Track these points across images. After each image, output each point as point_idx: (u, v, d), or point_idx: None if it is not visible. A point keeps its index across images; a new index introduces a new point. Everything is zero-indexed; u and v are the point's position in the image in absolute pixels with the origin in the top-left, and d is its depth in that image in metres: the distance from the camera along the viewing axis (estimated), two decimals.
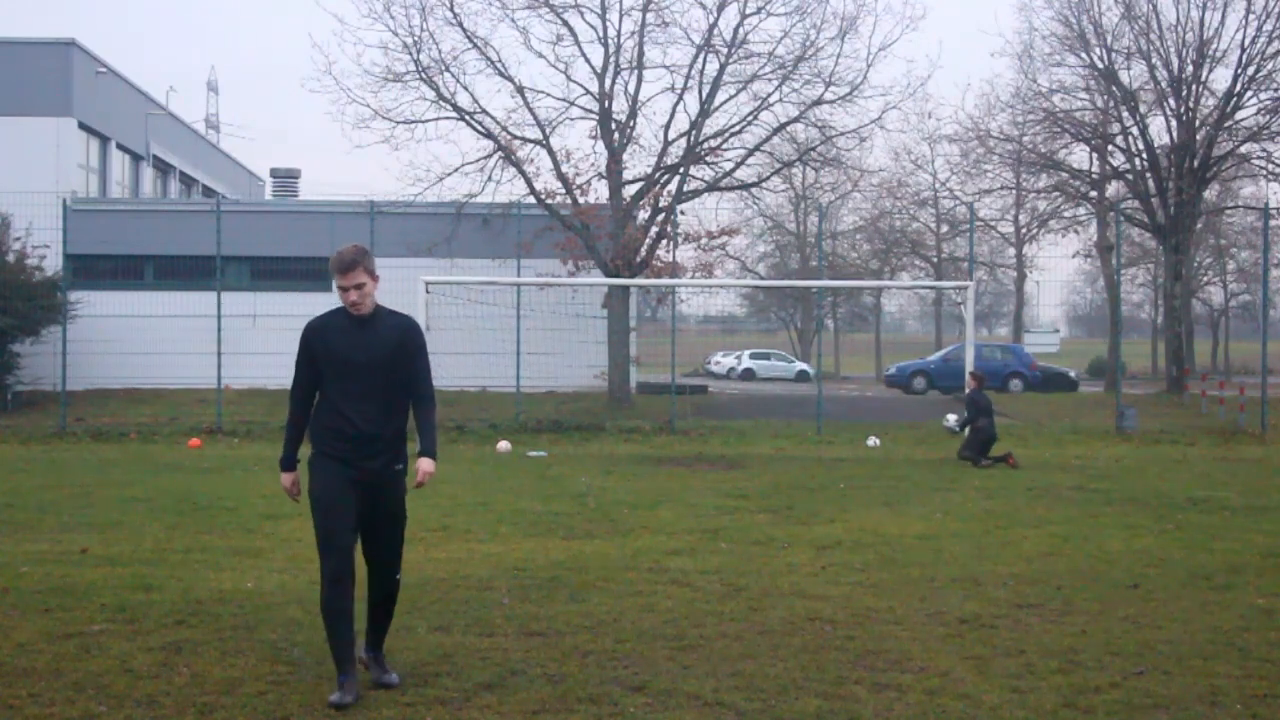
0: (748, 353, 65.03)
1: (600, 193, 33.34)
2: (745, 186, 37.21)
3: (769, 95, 33.49)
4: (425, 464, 7.11)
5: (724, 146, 34.22)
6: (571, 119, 33.59)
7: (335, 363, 6.93)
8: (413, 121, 32.07)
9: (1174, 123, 40.17)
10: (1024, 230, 56.50)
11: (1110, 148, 42.77)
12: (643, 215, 33.28)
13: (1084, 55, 41.41)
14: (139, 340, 31.66)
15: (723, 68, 33.25)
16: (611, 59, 33.06)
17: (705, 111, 33.47)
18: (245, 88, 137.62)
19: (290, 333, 7.09)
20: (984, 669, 7.40)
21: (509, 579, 10.16)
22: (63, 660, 7.46)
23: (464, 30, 32.13)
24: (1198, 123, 39.64)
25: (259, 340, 29.35)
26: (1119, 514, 14.55)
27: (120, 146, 40.58)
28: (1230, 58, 39.46)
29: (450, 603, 9.19)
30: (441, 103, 32.03)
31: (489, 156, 32.25)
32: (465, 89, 32.47)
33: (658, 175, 33.41)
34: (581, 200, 32.43)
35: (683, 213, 34.35)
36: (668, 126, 33.66)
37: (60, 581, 9.91)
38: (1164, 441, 25.89)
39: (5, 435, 25.71)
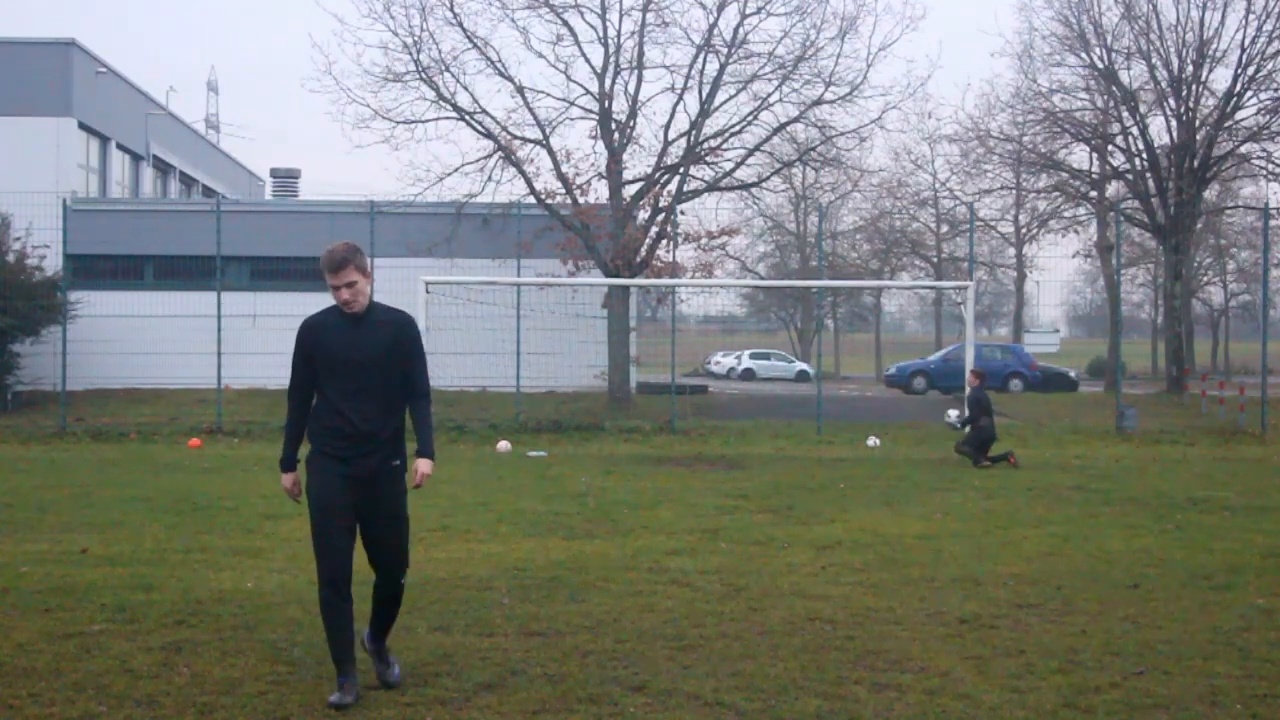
0: (748, 353, 65.02)
1: (600, 193, 33.36)
2: (745, 186, 37.22)
3: (769, 95, 33.51)
4: (423, 465, 7.08)
5: (724, 146, 34.23)
6: (571, 119, 33.62)
7: (331, 361, 6.88)
8: (413, 121, 32.09)
9: (1174, 123, 40.18)
10: (1024, 230, 56.51)
11: (1110, 148, 42.78)
12: (643, 215, 33.28)
13: (1084, 55, 41.42)
14: (139, 340, 31.65)
15: (723, 68, 33.25)
16: (611, 59, 33.06)
17: (705, 111, 33.47)
18: (245, 88, 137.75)
19: (290, 333, 7.04)
20: (984, 669, 7.40)
21: (509, 579, 10.16)
22: (63, 660, 7.46)
23: (464, 30, 32.14)
24: (1198, 123, 39.64)
25: (259, 340, 29.30)
26: (1119, 514, 14.56)
27: (120, 146, 40.59)
28: (1230, 58, 39.48)
29: (450, 603, 9.19)
30: (441, 103, 32.03)
31: (489, 156, 32.26)
32: (465, 89, 32.50)
33: (658, 175, 33.41)
34: (581, 200, 32.43)
35: (683, 213, 34.35)
36: (668, 126, 33.69)
37: (60, 581, 9.91)
38: (1164, 441, 25.89)
39: (5, 435, 25.71)
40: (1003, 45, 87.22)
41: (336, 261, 6.82)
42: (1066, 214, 48.71)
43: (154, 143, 43.59)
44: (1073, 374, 50.08)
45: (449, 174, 31.78)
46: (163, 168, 45.35)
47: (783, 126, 34.34)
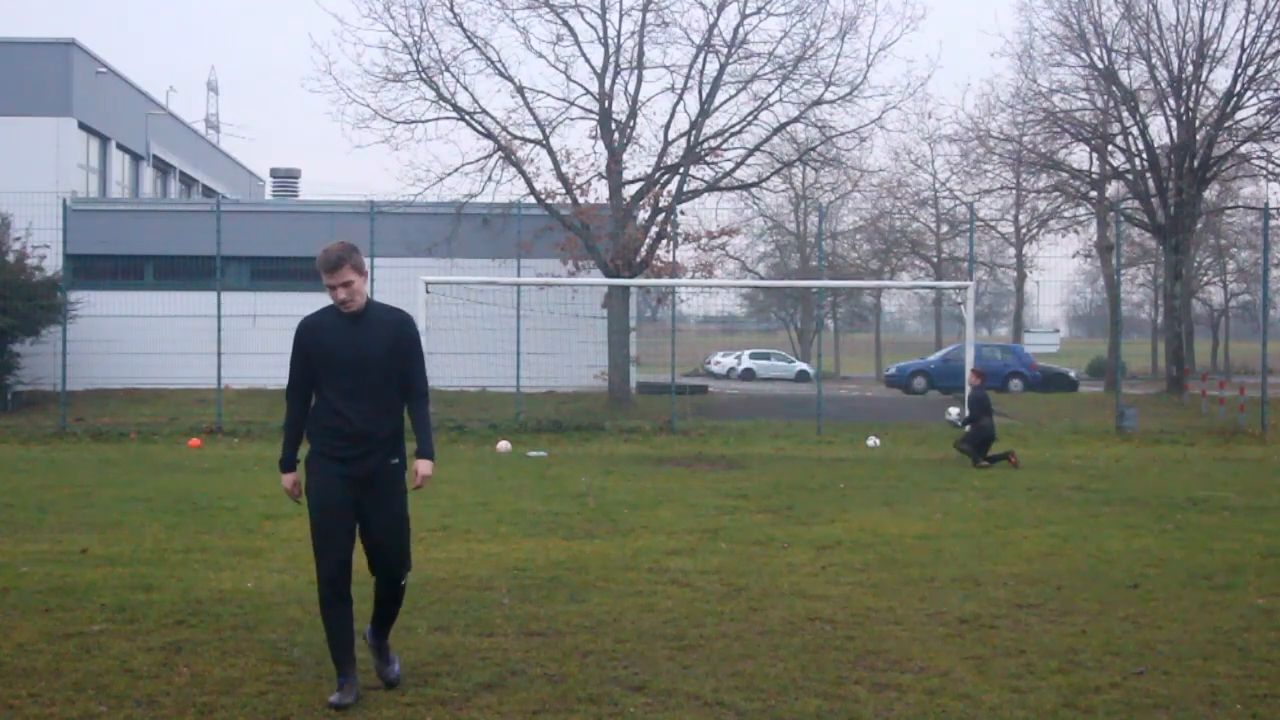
0: (748, 353, 65.03)
1: (600, 193, 33.37)
2: (745, 186, 37.21)
3: (769, 95, 33.51)
4: (423, 466, 7.05)
5: (724, 146, 34.23)
6: (571, 119, 33.62)
7: (330, 361, 6.84)
8: (413, 121, 32.09)
9: (1174, 123, 40.18)
10: (1024, 230, 56.51)
11: (1110, 148, 42.77)
12: (643, 215, 33.28)
13: (1084, 55, 41.42)
14: (139, 340, 31.66)
15: (723, 68, 33.25)
16: (611, 59, 33.06)
17: (705, 111, 33.47)
18: (245, 88, 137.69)
19: (290, 332, 7.03)
20: (984, 669, 7.40)
21: (509, 579, 10.16)
22: (63, 660, 7.46)
23: (464, 30, 32.15)
24: (1198, 123, 39.64)
25: (259, 340, 29.29)
26: (1119, 514, 14.56)
27: (120, 146, 40.59)
28: (1230, 58, 39.48)
29: (450, 603, 9.19)
30: (441, 103, 32.04)
31: (489, 156, 32.26)
32: (465, 89, 32.50)
33: (658, 175, 33.42)
34: (581, 200, 32.43)
35: (683, 213, 34.34)
36: (668, 126, 33.69)
37: (60, 581, 9.92)
38: (1164, 441, 25.90)
39: (5, 435, 25.71)
40: (1003, 45, 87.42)
41: (332, 261, 6.78)
42: (1066, 214, 48.72)
43: (154, 143, 43.60)
44: (1073, 374, 50.09)
45: (449, 174, 31.81)
46: (163, 168, 45.36)
47: (783, 126, 34.34)
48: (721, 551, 11.71)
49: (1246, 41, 38.96)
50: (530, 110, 32.54)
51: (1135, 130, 41.09)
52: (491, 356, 30.17)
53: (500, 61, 32.49)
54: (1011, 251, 60.95)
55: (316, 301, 6.89)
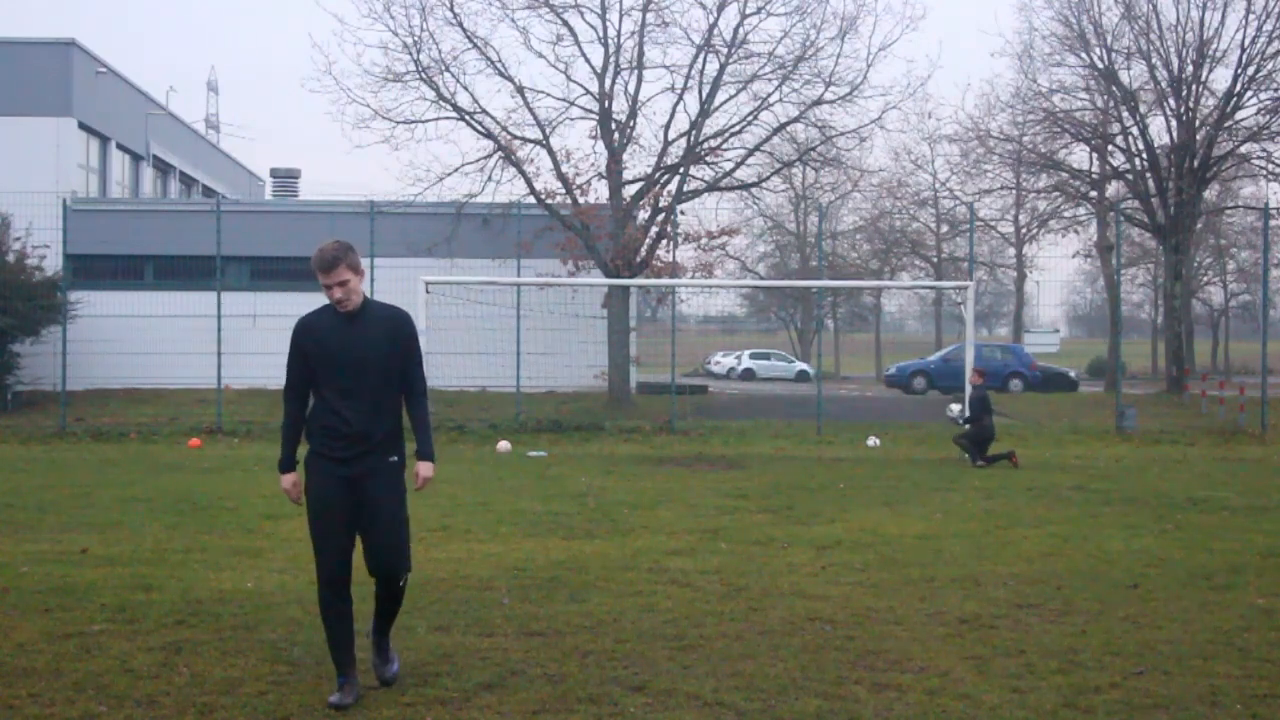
0: (748, 353, 65.00)
1: (600, 193, 33.38)
2: (745, 186, 37.21)
3: (769, 95, 33.52)
4: (424, 468, 7.03)
5: (724, 146, 34.23)
6: (571, 119, 33.63)
7: (327, 360, 6.81)
8: (413, 121, 32.10)
9: (1174, 123, 40.19)
10: (1024, 230, 56.50)
11: (1110, 148, 42.78)
12: (643, 215, 33.29)
13: (1084, 55, 41.43)
14: (139, 340, 31.66)
15: (723, 68, 33.26)
16: (611, 59, 33.07)
17: (705, 111, 33.48)
18: (245, 88, 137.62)
19: (290, 332, 7.02)
20: (984, 669, 7.40)
21: (509, 579, 10.16)
22: (63, 660, 7.46)
23: (464, 30, 32.16)
24: (1198, 123, 39.65)
25: (259, 340, 29.26)
26: (1119, 514, 14.56)
27: (120, 146, 40.59)
28: (1230, 58, 39.50)
29: (450, 603, 9.19)
30: (441, 103, 32.05)
31: (489, 156, 32.27)
32: (465, 89, 32.51)
33: (658, 175, 33.42)
34: (581, 200, 32.44)
35: (683, 213, 34.35)
36: (668, 126, 33.70)
37: (60, 581, 9.92)
38: (1164, 441, 25.90)
39: (5, 435, 25.72)
40: (1003, 45, 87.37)
41: (327, 261, 6.73)
42: (1066, 214, 48.73)
43: (154, 143, 43.60)
44: (1073, 374, 50.09)
45: (449, 174, 31.82)
46: (163, 168, 45.36)
47: (783, 126, 34.35)
48: (721, 551, 11.72)
49: (1246, 41, 38.98)
50: (530, 110, 32.56)
51: (1135, 130, 41.10)
52: (491, 356, 30.18)
53: (500, 61, 32.52)
54: (1011, 251, 60.96)
55: (317, 301, 6.88)
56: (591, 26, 33.04)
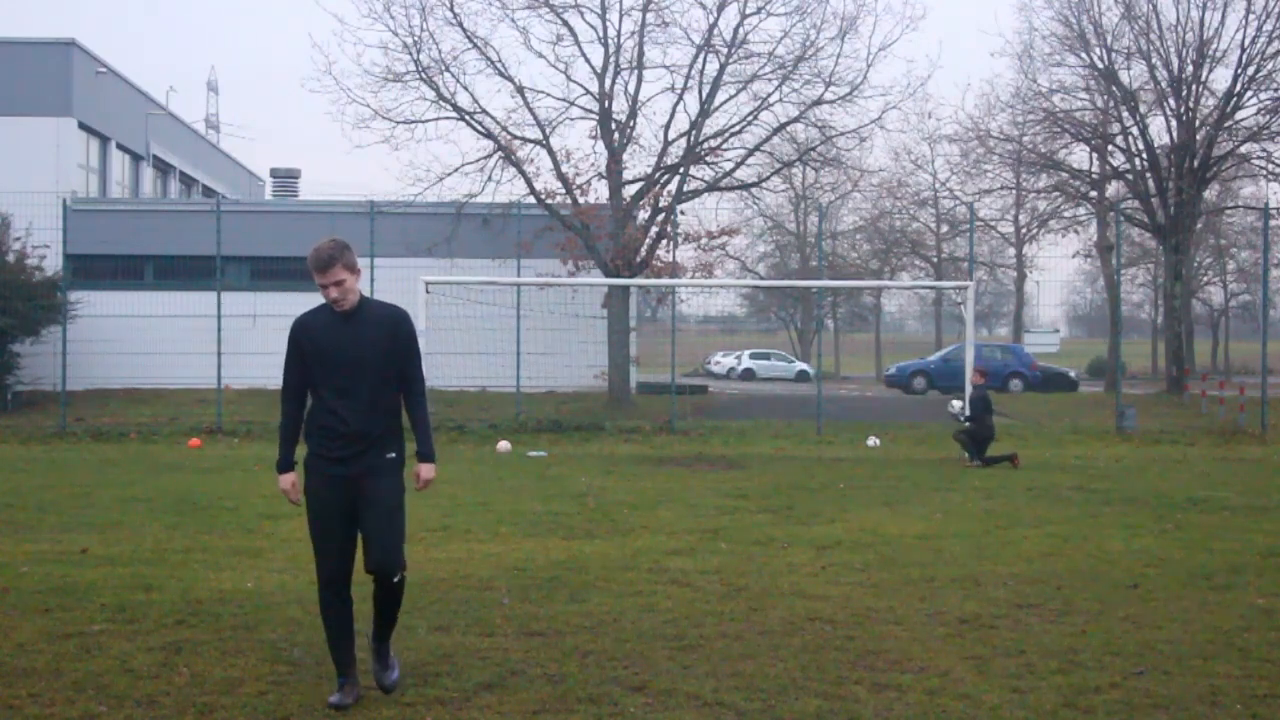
0: (748, 353, 65.04)
1: (600, 193, 33.39)
2: (745, 186, 37.21)
3: (769, 95, 33.53)
4: (425, 469, 6.97)
5: (724, 146, 34.24)
6: (571, 119, 33.64)
7: (325, 360, 6.75)
8: (413, 121, 32.11)
9: (1174, 123, 40.20)
10: (1024, 230, 56.51)
11: (1110, 148, 42.78)
12: (643, 215, 33.30)
13: (1084, 55, 41.44)
14: (139, 340, 31.67)
15: (723, 68, 33.27)
16: (611, 59, 33.08)
17: (705, 111, 33.48)
18: (245, 88, 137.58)
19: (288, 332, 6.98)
20: (984, 669, 7.40)
21: (509, 579, 10.16)
22: (63, 660, 7.46)
23: (464, 30, 32.17)
24: (1198, 123, 39.66)
25: (259, 340, 29.24)
26: (1119, 514, 14.56)
27: (120, 146, 40.60)
28: (1230, 58, 39.51)
29: (450, 603, 9.19)
30: (441, 103, 32.06)
31: (489, 156, 32.28)
32: (465, 89, 32.51)
33: (658, 175, 33.43)
34: (581, 200, 32.45)
35: (683, 213, 34.35)
36: (668, 126, 33.70)
37: (60, 581, 9.92)
38: (1164, 441, 25.90)
39: (5, 435, 25.72)
40: (1003, 45, 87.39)
41: (323, 260, 6.67)
42: (1066, 214, 48.74)
43: (154, 143, 43.61)
44: (1073, 374, 50.12)
45: (449, 174, 31.83)
46: (163, 168, 45.37)
47: (783, 126, 34.35)
48: (721, 551, 11.71)
49: (1246, 41, 38.99)
50: (530, 110, 32.57)
51: (1135, 130, 41.11)
52: (491, 356, 30.18)
53: (500, 61, 32.53)
54: (1011, 251, 60.97)
55: (316, 301, 6.85)
56: (591, 26, 33.08)
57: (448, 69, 31.99)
